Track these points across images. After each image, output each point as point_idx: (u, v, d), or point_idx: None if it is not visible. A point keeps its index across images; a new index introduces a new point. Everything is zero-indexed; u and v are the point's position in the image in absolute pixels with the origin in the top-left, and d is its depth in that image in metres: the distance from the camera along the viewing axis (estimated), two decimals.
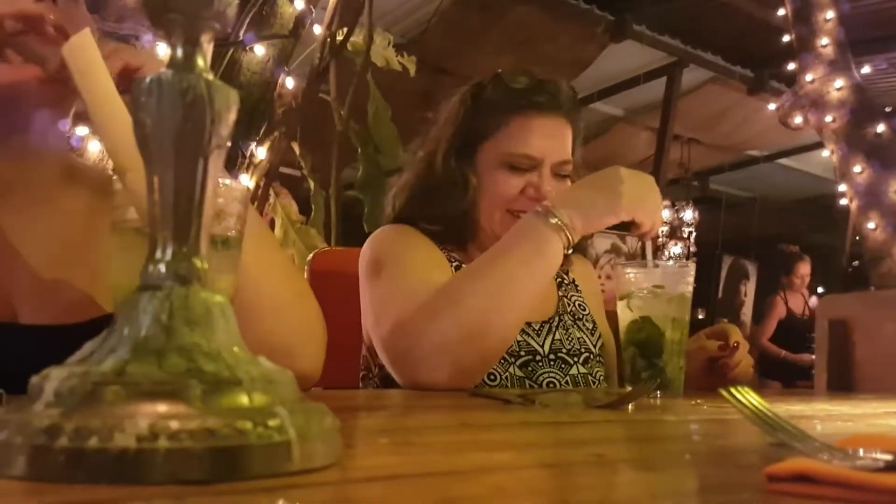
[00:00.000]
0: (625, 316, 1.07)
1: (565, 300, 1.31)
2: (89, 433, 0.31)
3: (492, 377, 1.14)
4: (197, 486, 0.31)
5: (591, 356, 1.26)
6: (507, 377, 1.16)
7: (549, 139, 1.23)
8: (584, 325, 1.30)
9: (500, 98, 1.25)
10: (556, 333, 1.24)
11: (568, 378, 1.20)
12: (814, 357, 4.70)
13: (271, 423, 0.34)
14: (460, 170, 1.25)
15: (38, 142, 0.84)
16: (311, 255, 1.66)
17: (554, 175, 1.23)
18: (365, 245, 1.24)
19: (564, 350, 1.22)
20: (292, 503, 0.30)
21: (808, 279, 5.28)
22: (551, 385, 1.18)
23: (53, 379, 0.34)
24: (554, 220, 1.02)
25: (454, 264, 1.24)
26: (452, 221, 1.25)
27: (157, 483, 0.30)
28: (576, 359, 1.23)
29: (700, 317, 7.05)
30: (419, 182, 1.29)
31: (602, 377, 1.27)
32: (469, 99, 1.28)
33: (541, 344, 1.21)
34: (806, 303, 5.26)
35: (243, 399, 0.34)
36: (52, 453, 0.31)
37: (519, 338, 1.18)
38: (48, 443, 0.31)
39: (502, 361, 1.15)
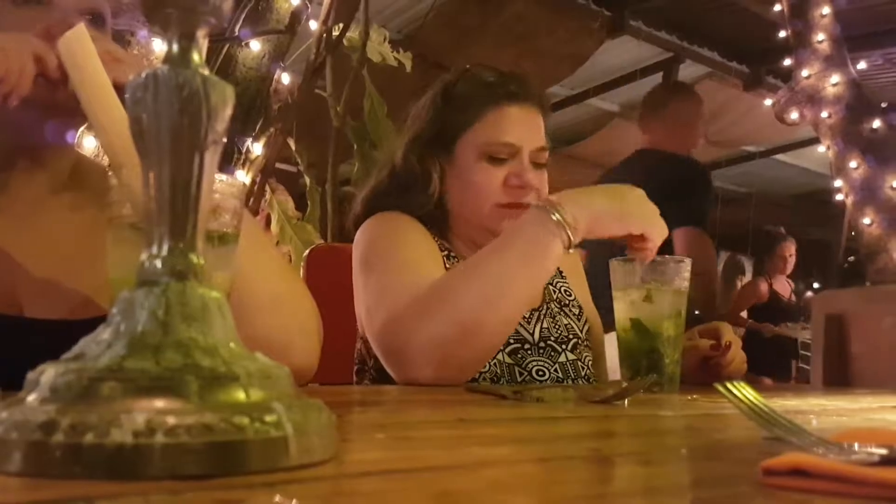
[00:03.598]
0: (621, 312, 1.07)
1: (550, 288, 1.32)
2: (85, 429, 0.30)
3: None
4: (194, 481, 0.31)
5: (579, 341, 1.27)
6: (495, 363, 1.16)
7: (525, 126, 1.25)
8: (570, 311, 1.31)
9: (474, 92, 1.27)
10: (545, 322, 1.24)
11: (557, 366, 1.21)
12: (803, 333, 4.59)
13: (268, 418, 0.34)
14: (423, 165, 1.26)
15: (44, 152, 0.84)
16: (307, 251, 1.66)
17: (532, 163, 1.24)
18: (358, 234, 1.23)
19: (553, 338, 1.23)
20: (289, 498, 0.30)
21: (793, 260, 5.03)
22: (540, 373, 1.18)
23: (49, 374, 0.34)
24: (556, 217, 0.99)
25: (444, 253, 1.24)
26: (422, 216, 1.26)
27: (154, 478, 0.30)
28: (564, 346, 1.24)
29: (696, 311, 7.05)
30: (389, 180, 1.30)
31: (591, 361, 1.28)
32: (440, 97, 1.29)
33: (530, 332, 1.21)
34: (791, 288, 5.15)
35: (240, 394, 0.34)
36: (48, 449, 0.30)
37: None
38: (44, 438, 0.31)
39: None
